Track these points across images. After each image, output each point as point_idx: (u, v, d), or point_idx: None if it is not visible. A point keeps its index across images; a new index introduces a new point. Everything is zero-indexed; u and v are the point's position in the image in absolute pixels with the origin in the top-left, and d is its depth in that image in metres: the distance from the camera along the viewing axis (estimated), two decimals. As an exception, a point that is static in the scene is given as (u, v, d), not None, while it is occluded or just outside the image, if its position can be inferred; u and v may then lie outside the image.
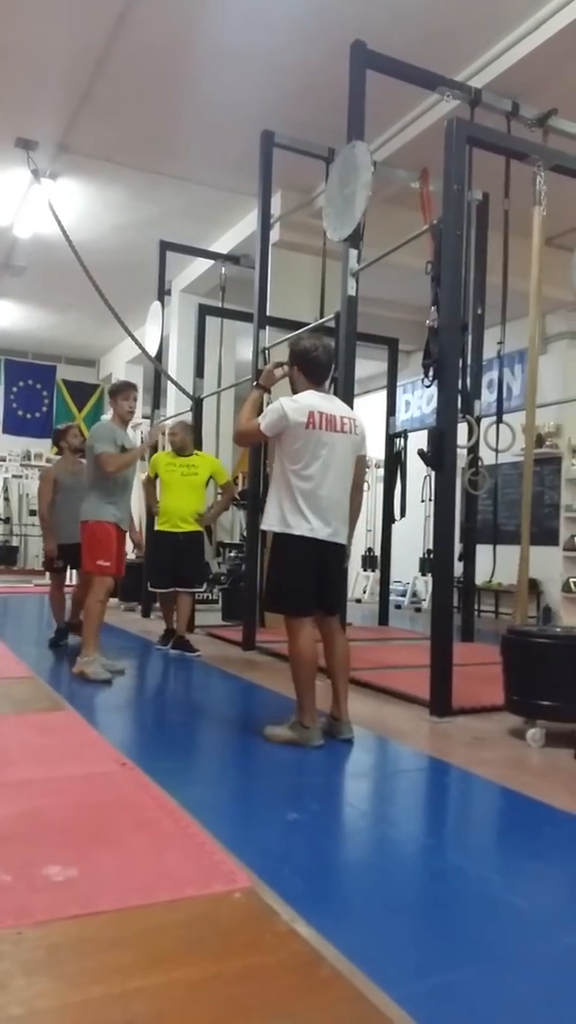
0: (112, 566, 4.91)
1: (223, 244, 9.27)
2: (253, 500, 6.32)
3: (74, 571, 6.24)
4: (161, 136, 7.19)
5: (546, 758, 3.39)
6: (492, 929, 1.85)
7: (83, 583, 5.72)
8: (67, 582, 6.53)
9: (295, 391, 3.59)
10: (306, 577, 3.44)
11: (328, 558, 3.48)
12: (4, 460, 14.79)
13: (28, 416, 15.18)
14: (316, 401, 3.49)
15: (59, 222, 7.37)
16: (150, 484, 6.36)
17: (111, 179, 8.08)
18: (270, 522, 3.49)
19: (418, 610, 10.60)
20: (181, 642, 5.98)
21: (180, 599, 6.04)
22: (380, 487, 7.74)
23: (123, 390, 5.17)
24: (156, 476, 6.18)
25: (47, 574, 6.35)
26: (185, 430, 6.26)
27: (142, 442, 6.79)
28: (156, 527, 6.14)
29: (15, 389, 15.48)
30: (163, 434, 7.10)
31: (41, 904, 1.83)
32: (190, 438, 6.29)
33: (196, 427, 7.69)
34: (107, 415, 5.18)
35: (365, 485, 3.87)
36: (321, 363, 3.57)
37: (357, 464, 3.63)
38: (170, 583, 6.01)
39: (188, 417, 7.83)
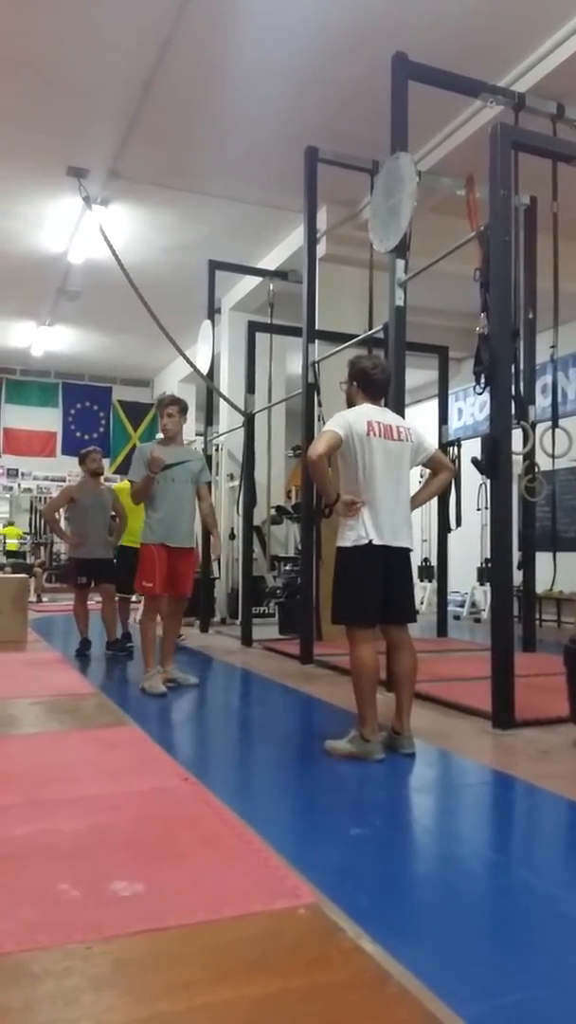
0: (155, 586, 4.95)
1: (271, 261, 9.36)
2: (307, 514, 6.34)
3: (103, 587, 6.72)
4: (207, 157, 7.31)
5: (615, 770, 3.29)
6: (563, 947, 1.81)
7: (107, 600, 6.60)
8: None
9: (351, 407, 3.66)
10: (370, 586, 3.44)
11: (393, 565, 3.49)
12: (64, 480, 15.16)
13: (86, 437, 15.53)
14: (370, 411, 3.56)
15: (111, 247, 7.54)
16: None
17: (160, 202, 8.24)
18: (341, 540, 3.52)
19: (477, 620, 10.43)
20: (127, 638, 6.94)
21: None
22: (433, 497, 7.71)
23: (160, 405, 5.21)
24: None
25: (75, 590, 6.77)
26: None
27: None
28: (122, 543, 6.77)
29: (73, 411, 15.87)
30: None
31: (109, 919, 1.86)
32: None
33: (249, 442, 7.78)
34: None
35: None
36: (379, 381, 3.68)
37: (435, 460, 3.73)
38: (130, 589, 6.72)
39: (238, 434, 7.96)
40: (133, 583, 7.05)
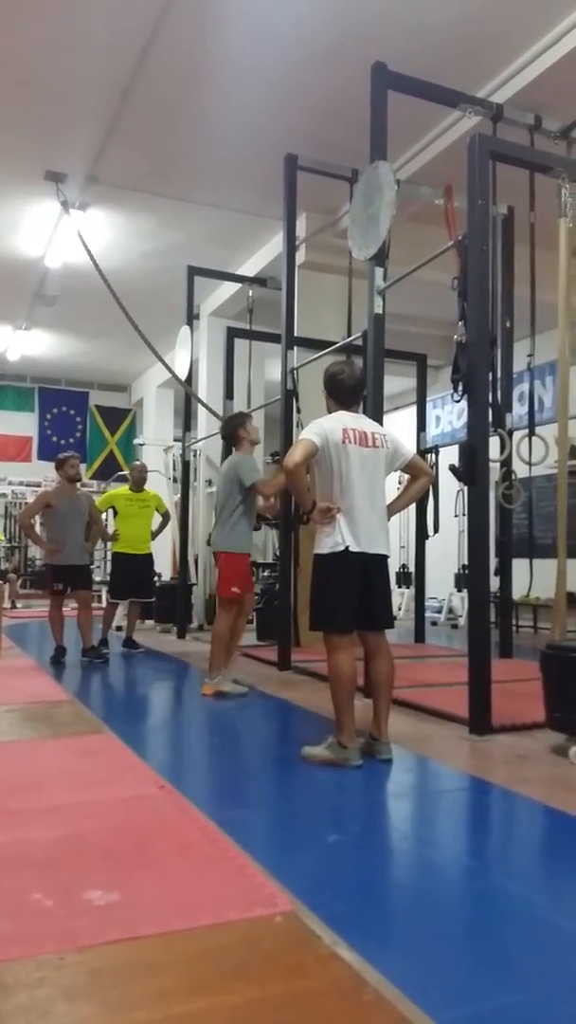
0: (241, 592, 5.13)
1: (250, 267, 9.37)
2: (285, 520, 6.34)
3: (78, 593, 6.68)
4: (186, 163, 7.31)
5: (590, 776, 3.31)
6: (539, 952, 1.81)
7: (83, 607, 6.56)
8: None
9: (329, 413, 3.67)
10: (347, 593, 3.44)
11: (371, 571, 3.49)
12: (40, 486, 15.02)
13: (63, 442, 15.40)
14: (346, 419, 3.57)
15: (89, 252, 7.51)
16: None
17: (138, 207, 8.22)
18: (318, 548, 3.52)
19: (455, 627, 10.48)
20: (130, 643, 7.28)
21: (132, 607, 7.43)
22: (412, 503, 7.75)
23: (244, 418, 5.39)
24: (110, 508, 7.28)
25: (51, 597, 6.69)
26: (145, 470, 7.63)
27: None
28: (116, 550, 7.34)
29: (49, 416, 15.74)
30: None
31: (83, 929, 1.83)
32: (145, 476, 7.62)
33: (228, 448, 7.77)
34: (239, 453, 5.25)
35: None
36: (347, 387, 3.66)
37: (412, 466, 3.72)
38: (129, 594, 7.30)
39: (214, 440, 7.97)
40: (125, 589, 7.26)
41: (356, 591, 3.45)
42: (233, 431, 5.30)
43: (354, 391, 3.69)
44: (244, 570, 5.17)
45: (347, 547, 3.41)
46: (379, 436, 3.59)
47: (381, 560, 3.54)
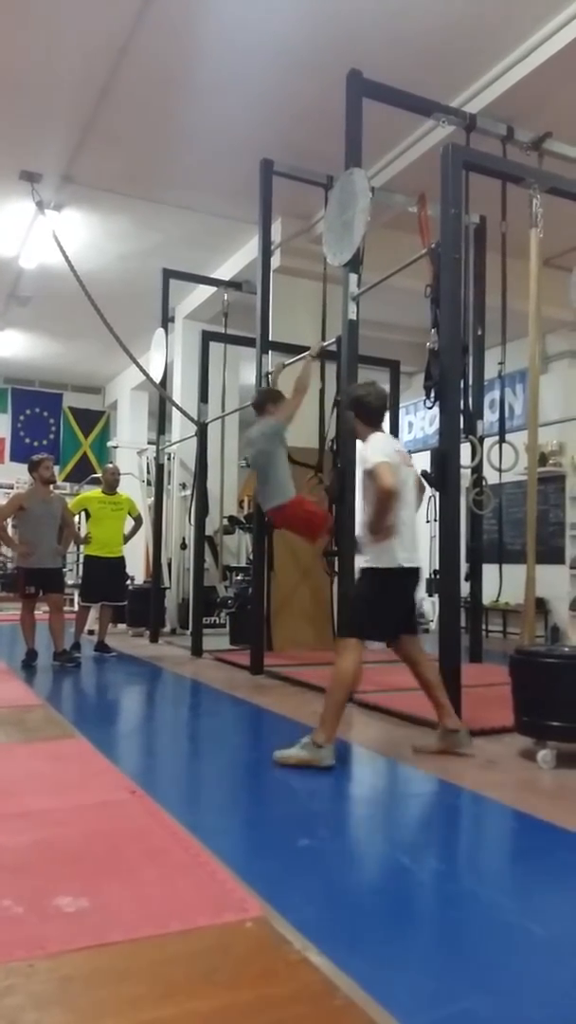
0: (322, 517, 5.41)
1: (225, 271, 9.37)
2: (259, 524, 6.34)
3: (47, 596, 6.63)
4: (163, 166, 7.30)
5: (558, 779, 3.36)
6: (506, 956, 1.84)
7: (56, 610, 6.50)
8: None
9: (358, 436, 3.78)
10: (394, 607, 3.64)
11: (412, 583, 3.70)
12: (12, 487, 14.86)
13: (35, 443, 15.24)
14: (390, 439, 3.80)
15: (64, 252, 7.45)
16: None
17: (114, 209, 8.19)
18: (374, 561, 3.61)
19: (425, 631, 10.54)
20: (103, 646, 7.17)
21: (104, 611, 7.36)
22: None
23: (279, 398, 5.46)
24: (83, 511, 7.27)
25: (23, 600, 6.63)
26: (117, 472, 7.59)
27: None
28: (88, 553, 7.30)
29: (22, 417, 15.58)
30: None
31: (52, 935, 1.82)
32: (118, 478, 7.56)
33: (202, 451, 7.76)
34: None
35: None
36: (376, 407, 3.77)
37: (417, 480, 3.91)
38: (101, 598, 7.23)
39: (188, 444, 7.96)
40: (98, 592, 7.22)
41: (400, 605, 3.67)
42: (263, 403, 5.46)
43: (383, 410, 3.82)
44: (306, 507, 5.31)
45: (401, 564, 3.57)
46: (408, 455, 3.82)
47: (418, 572, 3.73)
